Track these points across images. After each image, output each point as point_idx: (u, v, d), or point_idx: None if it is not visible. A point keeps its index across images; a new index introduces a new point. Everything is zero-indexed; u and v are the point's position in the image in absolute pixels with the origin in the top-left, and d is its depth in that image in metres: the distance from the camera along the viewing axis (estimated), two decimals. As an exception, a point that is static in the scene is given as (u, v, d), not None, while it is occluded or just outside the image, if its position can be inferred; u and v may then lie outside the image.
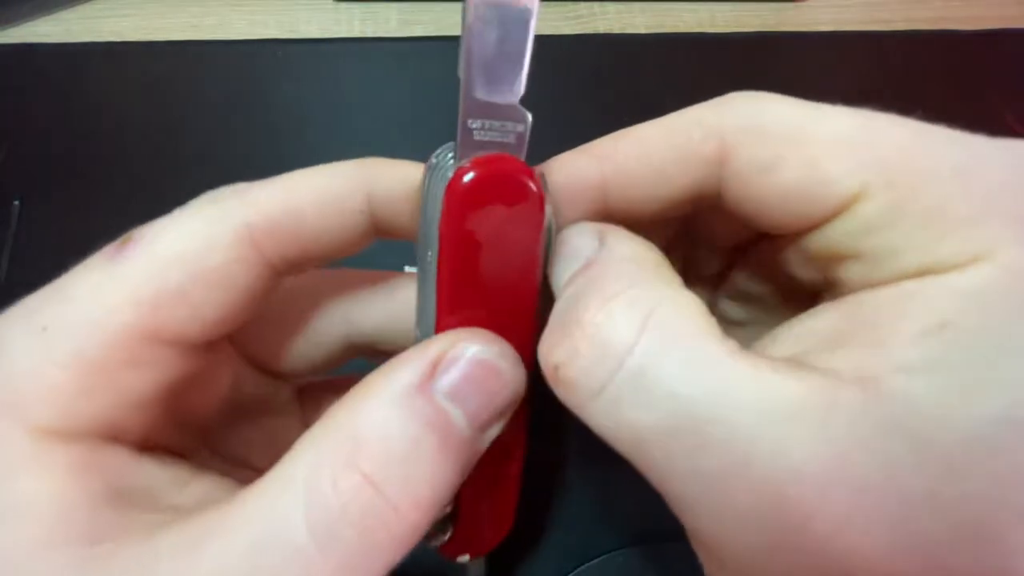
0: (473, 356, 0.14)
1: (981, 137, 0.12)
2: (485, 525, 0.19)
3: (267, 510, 0.12)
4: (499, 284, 0.15)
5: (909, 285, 0.11)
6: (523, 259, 0.15)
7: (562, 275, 0.14)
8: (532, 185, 0.14)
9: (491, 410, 0.14)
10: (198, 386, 0.16)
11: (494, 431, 0.14)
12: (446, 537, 0.19)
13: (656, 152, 0.14)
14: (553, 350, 0.13)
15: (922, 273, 0.11)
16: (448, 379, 0.13)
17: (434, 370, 0.13)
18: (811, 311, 0.13)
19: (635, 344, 0.11)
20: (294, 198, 0.15)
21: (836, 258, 0.13)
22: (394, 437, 0.12)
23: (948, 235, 0.11)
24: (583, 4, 0.41)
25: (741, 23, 0.40)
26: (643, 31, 0.40)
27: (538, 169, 0.15)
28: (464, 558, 0.20)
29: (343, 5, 0.40)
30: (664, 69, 0.38)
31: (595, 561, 0.26)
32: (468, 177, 0.14)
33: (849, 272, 0.12)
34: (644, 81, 0.38)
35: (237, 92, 0.36)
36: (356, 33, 0.40)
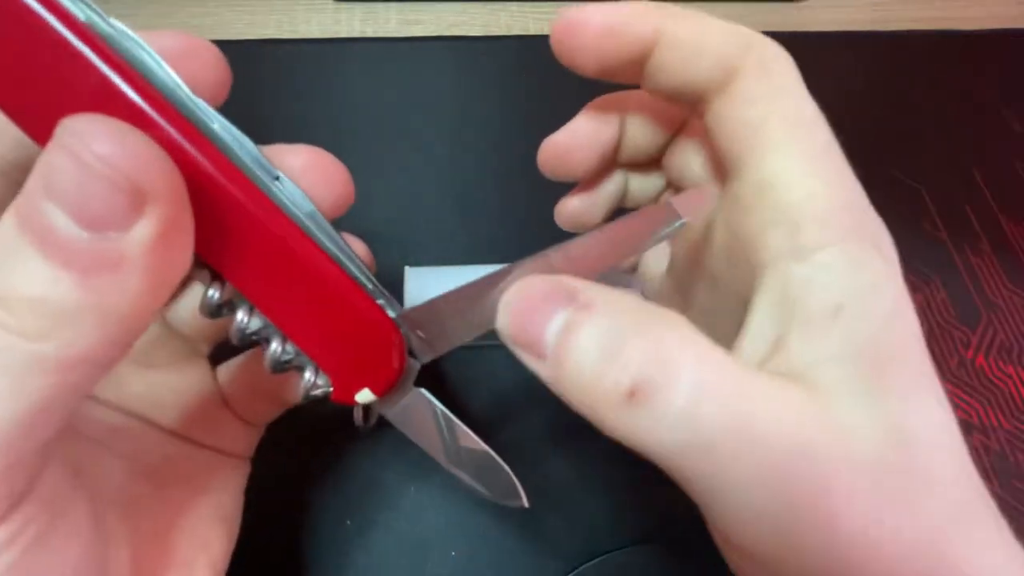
0: (63, 146, 0.11)
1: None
2: (359, 355, 0.17)
3: None
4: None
5: (802, 271, 0.14)
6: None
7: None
8: None
9: (93, 203, 0.11)
10: None
11: (140, 230, 0.12)
12: (311, 380, 0.17)
13: (711, 32, 0.16)
14: (622, 373, 0.13)
15: (789, 249, 0.14)
16: (41, 177, 0.11)
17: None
18: (748, 314, 0.15)
19: (692, 368, 0.13)
20: None
21: (744, 209, 0.15)
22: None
23: (806, 223, 0.14)
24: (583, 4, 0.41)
25: (741, 23, 0.40)
26: (643, 31, 0.40)
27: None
28: (364, 395, 0.17)
29: (343, 5, 0.40)
30: (664, 69, 0.38)
31: (595, 561, 0.26)
32: None
33: (750, 223, 0.15)
34: (644, 81, 0.38)
35: (237, 92, 0.36)
36: (356, 33, 0.40)
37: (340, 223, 0.20)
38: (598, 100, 0.20)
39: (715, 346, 0.13)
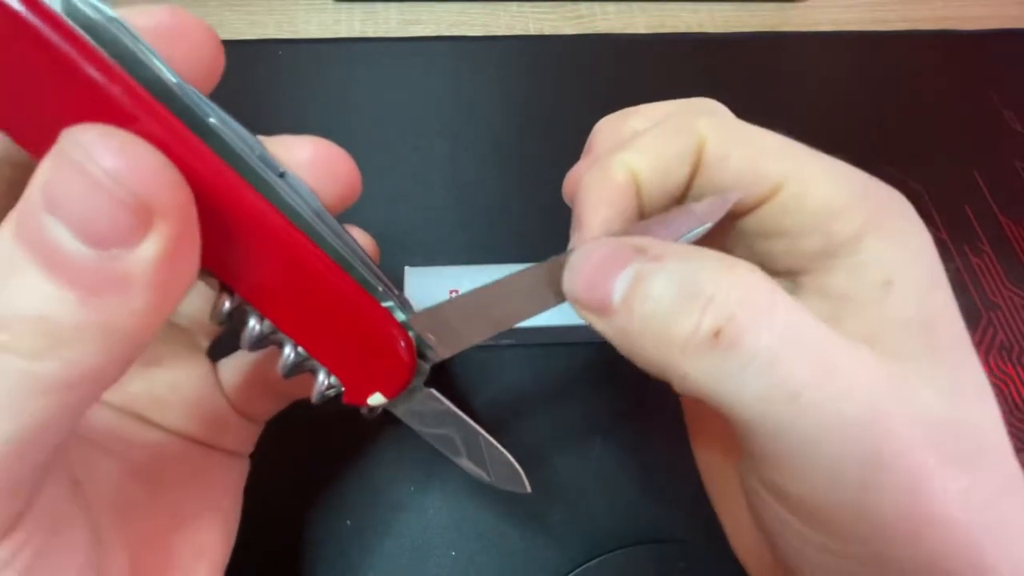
0: (68, 159, 0.11)
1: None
2: (370, 360, 0.17)
3: None
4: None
5: (847, 262, 0.15)
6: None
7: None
8: None
9: (99, 221, 0.11)
10: None
11: (147, 248, 0.11)
12: (324, 383, 0.18)
13: (667, 149, 0.16)
14: (703, 315, 0.12)
15: (827, 250, 0.15)
16: (47, 188, 0.11)
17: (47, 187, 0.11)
18: None
19: (781, 312, 0.13)
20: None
21: (765, 235, 0.16)
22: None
23: (836, 219, 0.15)
24: (583, 4, 0.41)
25: (741, 23, 0.40)
26: (643, 31, 0.40)
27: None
28: (376, 399, 0.18)
29: (343, 5, 0.40)
30: (664, 69, 0.38)
31: (595, 561, 0.26)
32: None
33: (775, 247, 0.16)
34: (644, 81, 0.38)
35: (237, 92, 0.36)
36: (356, 33, 0.40)
37: (340, 220, 0.20)
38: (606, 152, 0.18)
39: (791, 297, 0.13)
